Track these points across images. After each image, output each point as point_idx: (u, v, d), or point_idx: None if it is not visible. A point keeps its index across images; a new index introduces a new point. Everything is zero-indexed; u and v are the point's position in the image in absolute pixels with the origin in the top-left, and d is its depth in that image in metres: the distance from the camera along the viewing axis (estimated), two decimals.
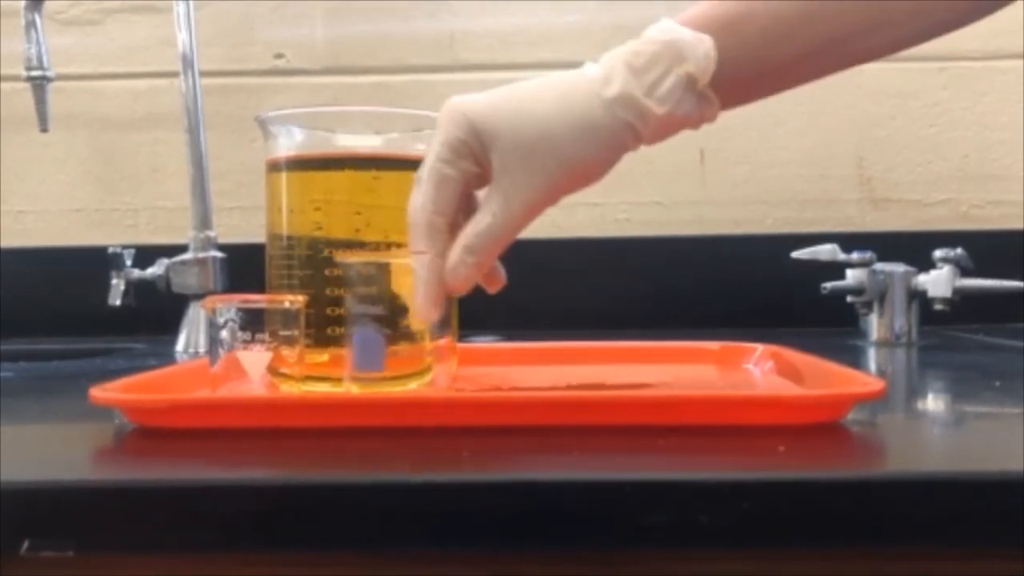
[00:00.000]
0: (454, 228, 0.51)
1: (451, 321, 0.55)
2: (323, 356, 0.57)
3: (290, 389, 0.56)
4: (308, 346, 0.57)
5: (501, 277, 0.54)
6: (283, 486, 0.41)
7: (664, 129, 0.50)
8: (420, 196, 0.50)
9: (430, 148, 0.50)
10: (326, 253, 0.57)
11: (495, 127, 0.48)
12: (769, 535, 0.40)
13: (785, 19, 0.49)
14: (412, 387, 0.58)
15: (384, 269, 0.52)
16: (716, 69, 0.49)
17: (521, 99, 0.49)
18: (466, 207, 0.52)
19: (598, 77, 0.49)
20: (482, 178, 0.50)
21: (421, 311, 0.51)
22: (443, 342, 0.54)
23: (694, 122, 0.51)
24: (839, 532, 0.40)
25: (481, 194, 0.52)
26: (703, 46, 0.48)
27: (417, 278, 0.50)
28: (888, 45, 0.52)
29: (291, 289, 0.58)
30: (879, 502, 0.40)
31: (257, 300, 0.55)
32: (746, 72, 0.50)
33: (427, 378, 0.59)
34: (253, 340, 0.54)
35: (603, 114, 0.48)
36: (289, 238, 0.58)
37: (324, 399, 0.55)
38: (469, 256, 0.49)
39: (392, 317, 0.52)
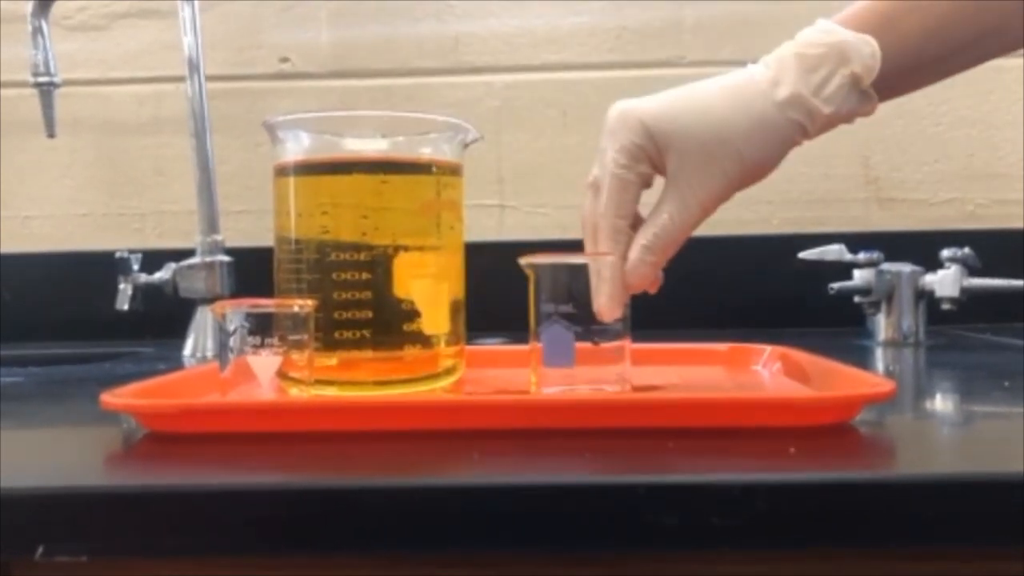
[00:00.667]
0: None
1: (628, 321, 0.56)
2: (332, 360, 0.57)
3: (300, 393, 0.56)
4: (317, 350, 0.57)
5: (660, 277, 0.55)
6: (293, 490, 0.42)
7: (828, 125, 0.52)
8: (603, 201, 0.52)
9: (604, 153, 0.52)
10: (334, 257, 0.57)
11: (671, 131, 0.50)
12: (780, 536, 0.40)
13: (940, 15, 0.51)
14: (423, 389, 0.58)
15: (575, 269, 0.54)
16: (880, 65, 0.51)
17: (694, 101, 0.51)
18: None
19: (767, 78, 0.51)
20: (651, 179, 0.52)
21: (605, 310, 0.52)
22: (624, 342, 0.55)
23: (854, 117, 0.53)
24: (850, 533, 0.40)
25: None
26: (868, 47, 0.50)
27: (601, 279, 0.52)
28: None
29: (299, 293, 0.58)
30: (890, 503, 0.40)
31: (266, 304, 0.56)
32: (903, 68, 0.52)
33: (443, 382, 0.59)
34: (262, 345, 0.54)
35: (775, 115, 0.50)
36: (297, 242, 0.58)
37: (334, 403, 0.55)
38: (649, 255, 0.51)
39: (579, 315, 0.54)
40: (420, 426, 0.51)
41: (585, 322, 0.54)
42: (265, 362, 0.55)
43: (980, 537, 0.41)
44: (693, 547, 0.41)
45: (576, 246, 0.65)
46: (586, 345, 0.53)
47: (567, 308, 0.54)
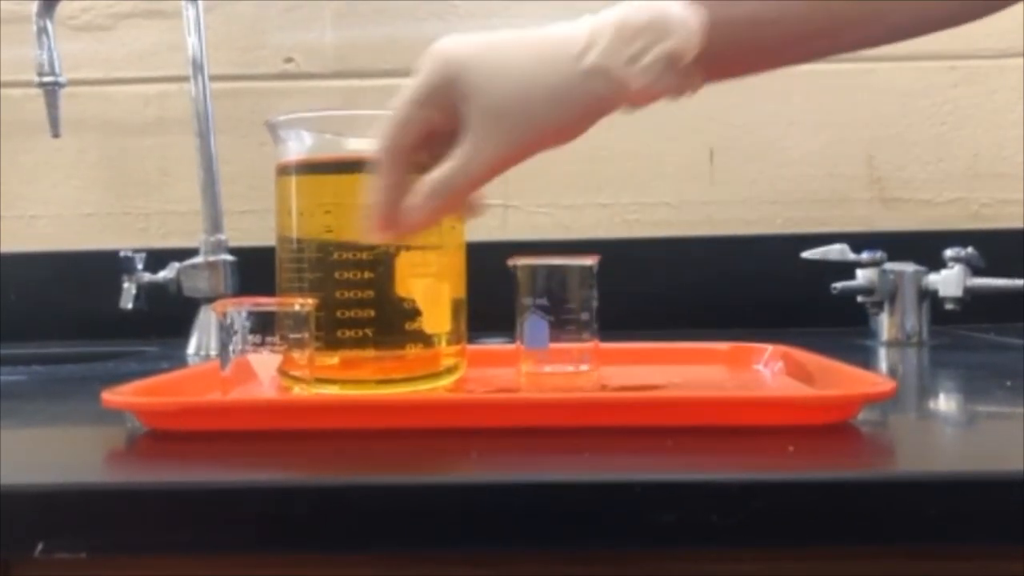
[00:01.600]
0: (417, 164, 0.52)
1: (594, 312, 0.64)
2: (333, 359, 0.58)
3: (301, 391, 0.56)
4: (318, 348, 0.57)
5: (479, 206, 0.55)
6: (293, 488, 0.42)
7: (641, 99, 0.50)
8: (387, 128, 0.51)
9: (410, 83, 0.51)
10: (336, 256, 0.57)
11: (472, 81, 0.49)
12: (778, 535, 0.40)
13: (775, 6, 0.49)
14: (424, 388, 0.58)
15: (549, 269, 0.62)
16: (706, 44, 0.48)
17: (502, 55, 0.50)
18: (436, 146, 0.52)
19: (580, 43, 0.49)
20: (452, 122, 0.51)
21: (367, 231, 0.52)
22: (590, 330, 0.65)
23: (673, 94, 0.50)
24: (848, 531, 0.40)
25: None
26: (690, 24, 0.48)
27: (374, 203, 0.51)
28: (880, 36, 0.52)
29: (301, 292, 0.58)
30: (889, 502, 0.40)
31: (267, 303, 0.56)
32: (731, 50, 0.49)
33: (444, 381, 0.59)
34: (263, 343, 0.55)
35: (579, 82, 0.48)
36: (299, 241, 0.59)
37: (334, 401, 0.55)
38: (429, 200, 0.50)
39: (553, 307, 0.63)
40: (419, 424, 0.51)
41: (558, 312, 0.64)
42: (266, 360, 0.55)
43: (979, 536, 0.41)
44: (691, 545, 0.41)
45: (585, 245, 0.66)
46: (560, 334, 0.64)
47: (542, 301, 0.64)
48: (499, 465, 0.45)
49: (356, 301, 0.57)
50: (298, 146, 0.60)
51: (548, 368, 0.65)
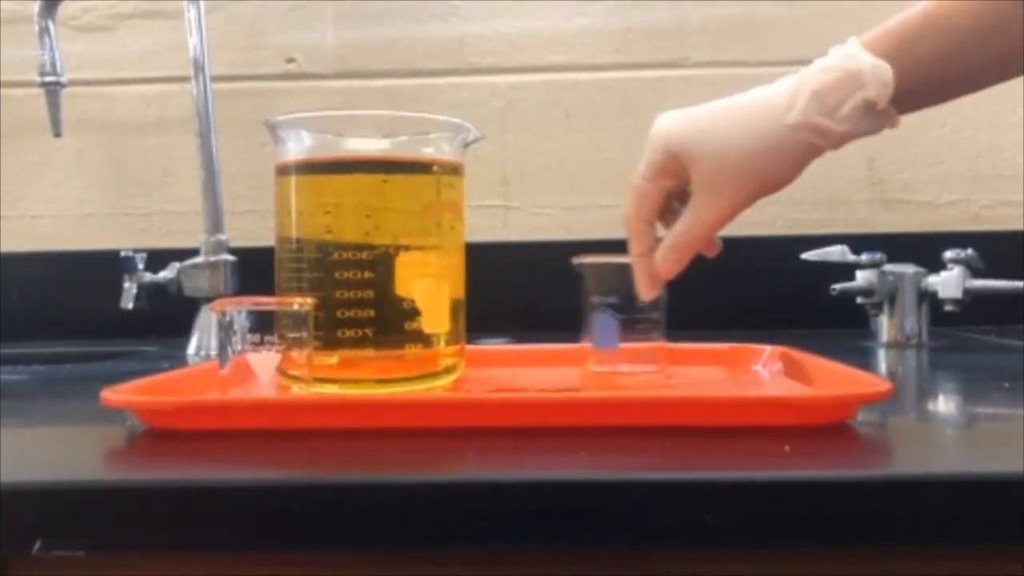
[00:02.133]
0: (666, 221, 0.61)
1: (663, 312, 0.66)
2: (332, 358, 0.58)
3: (301, 391, 0.56)
4: (318, 348, 0.57)
5: (717, 245, 0.63)
6: (292, 487, 0.42)
7: (847, 140, 0.56)
8: (626, 206, 0.60)
9: (642, 163, 0.59)
10: (336, 256, 0.57)
11: (693, 152, 0.56)
12: (774, 535, 0.40)
13: (957, 39, 0.55)
14: (422, 388, 0.58)
15: (619, 268, 0.63)
16: (896, 87, 0.54)
17: (715, 124, 0.57)
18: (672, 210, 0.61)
19: (782, 101, 0.55)
20: (683, 184, 0.59)
21: (641, 292, 0.61)
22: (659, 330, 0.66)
23: (873, 133, 0.57)
24: (844, 532, 0.40)
25: None
26: (882, 74, 0.54)
27: (635, 271, 0.61)
28: None
29: (301, 292, 0.58)
30: (885, 502, 0.40)
31: (267, 303, 0.56)
32: (921, 87, 0.56)
33: (443, 380, 0.60)
34: (262, 342, 0.55)
35: (787, 137, 0.55)
36: (298, 241, 0.59)
37: (332, 401, 0.55)
38: (672, 254, 0.59)
39: (622, 306, 0.64)
40: (417, 424, 0.51)
41: (627, 311, 0.64)
42: (265, 359, 0.55)
43: (976, 536, 0.41)
44: (686, 545, 0.41)
45: (585, 246, 0.66)
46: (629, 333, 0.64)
47: (613, 300, 0.64)
48: (496, 464, 0.45)
49: (355, 301, 0.57)
50: (297, 146, 0.60)
51: (616, 368, 0.65)
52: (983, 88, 0.59)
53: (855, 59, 0.55)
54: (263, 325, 0.55)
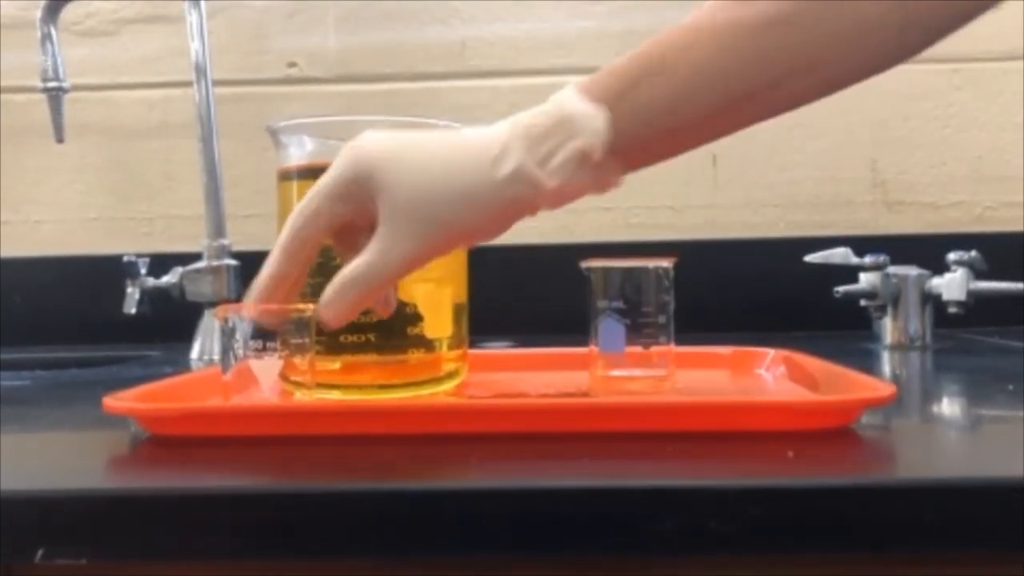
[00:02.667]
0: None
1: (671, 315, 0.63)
2: (335, 364, 0.58)
3: (303, 397, 0.56)
4: (320, 353, 0.57)
5: (391, 303, 0.55)
6: (294, 494, 0.42)
7: (560, 198, 0.50)
8: (293, 218, 0.51)
9: (324, 175, 0.51)
10: (337, 261, 0.57)
11: (384, 179, 0.49)
12: (777, 541, 0.40)
13: (686, 80, 0.48)
14: (425, 393, 0.58)
15: (626, 272, 0.62)
16: (617, 136, 0.48)
17: (417, 155, 0.50)
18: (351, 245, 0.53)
19: (494, 147, 0.49)
20: (365, 218, 0.51)
21: (253, 314, 0.53)
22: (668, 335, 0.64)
23: (595, 189, 0.51)
24: (848, 538, 0.40)
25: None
26: (595, 122, 0.48)
27: (255, 287, 0.52)
28: (799, 96, 0.51)
29: (303, 297, 0.58)
30: (889, 507, 0.40)
31: (269, 308, 0.56)
32: (650, 136, 0.49)
33: (445, 385, 0.60)
34: (265, 348, 0.55)
35: (491, 189, 0.48)
36: None
37: (335, 407, 0.55)
38: (341, 296, 0.50)
39: (629, 310, 0.62)
40: (420, 430, 0.51)
41: (633, 315, 0.62)
42: (267, 366, 0.55)
43: (981, 542, 0.41)
44: (689, 552, 0.41)
45: (587, 249, 0.66)
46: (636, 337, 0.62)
47: (619, 304, 0.62)
48: (498, 471, 0.45)
49: None
50: (299, 151, 0.60)
51: (624, 372, 0.63)
52: (735, 130, 0.52)
53: (568, 104, 0.48)
54: (264, 330, 0.55)
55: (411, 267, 0.51)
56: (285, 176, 0.60)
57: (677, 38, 0.49)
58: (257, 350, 0.54)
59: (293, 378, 0.57)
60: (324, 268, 0.57)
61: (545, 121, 0.48)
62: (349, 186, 0.50)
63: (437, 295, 0.59)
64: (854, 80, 0.50)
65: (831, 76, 0.50)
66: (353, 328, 0.57)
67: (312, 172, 0.59)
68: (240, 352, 0.55)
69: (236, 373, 0.55)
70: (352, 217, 0.51)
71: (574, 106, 0.48)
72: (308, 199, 0.51)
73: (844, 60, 0.49)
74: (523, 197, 0.49)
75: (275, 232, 0.61)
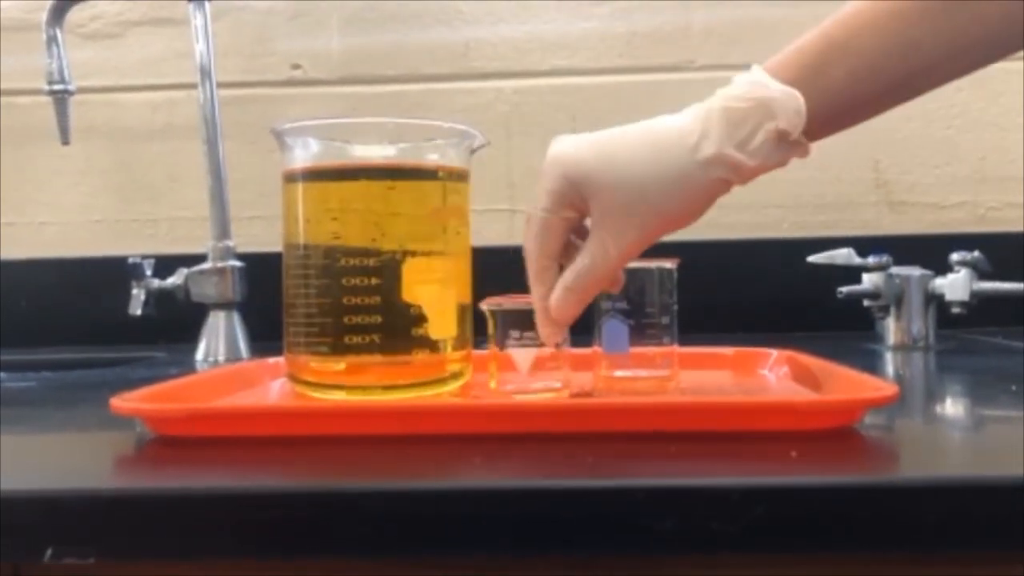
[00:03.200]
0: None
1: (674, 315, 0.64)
2: (340, 365, 0.58)
3: (320, 396, 0.57)
4: (324, 354, 0.57)
5: (620, 281, 0.59)
6: (299, 493, 0.42)
7: (757, 174, 0.53)
8: (529, 242, 0.55)
9: (538, 193, 0.55)
10: (343, 262, 0.58)
11: (594, 183, 0.52)
12: (779, 541, 0.41)
13: (868, 60, 0.51)
14: (430, 394, 0.58)
15: (630, 272, 0.61)
16: (809, 114, 0.51)
17: (618, 155, 0.53)
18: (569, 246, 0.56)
19: (693, 133, 0.51)
20: (582, 220, 0.55)
21: (543, 338, 0.57)
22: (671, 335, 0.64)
23: (781, 165, 0.54)
24: (851, 537, 0.40)
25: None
26: (794, 103, 0.51)
27: (539, 317, 0.56)
28: (966, 69, 0.54)
29: (307, 298, 0.58)
30: (891, 507, 0.40)
31: (521, 300, 0.59)
32: (834, 112, 0.52)
33: (450, 386, 0.60)
34: (522, 338, 0.59)
35: (698, 173, 0.51)
36: (306, 247, 0.59)
37: (339, 407, 0.55)
38: (570, 295, 0.54)
39: (633, 311, 0.62)
40: (423, 430, 0.51)
41: (637, 316, 0.62)
42: (525, 354, 0.59)
43: (984, 542, 0.41)
44: (691, 551, 0.41)
45: None
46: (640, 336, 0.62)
47: (622, 305, 0.62)
48: (502, 470, 0.46)
49: (363, 307, 0.57)
50: (304, 153, 0.60)
51: (627, 373, 0.63)
52: (912, 98, 0.55)
53: (764, 87, 0.51)
54: (522, 322, 0.58)
55: (629, 258, 0.54)
56: (290, 178, 0.60)
57: (842, 27, 0.52)
58: (516, 339, 0.59)
59: (302, 378, 0.57)
60: (330, 269, 0.58)
61: (743, 104, 0.51)
62: (565, 197, 0.53)
63: (441, 296, 0.59)
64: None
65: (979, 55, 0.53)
66: (358, 329, 0.57)
67: (317, 174, 0.60)
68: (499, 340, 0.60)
69: (237, 372, 0.56)
70: (574, 222, 0.55)
71: (771, 89, 0.51)
72: (533, 220, 0.55)
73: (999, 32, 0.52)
74: (724, 177, 0.52)
75: (279, 233, 0.61)
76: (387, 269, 0.58)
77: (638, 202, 0.52)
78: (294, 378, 0.59)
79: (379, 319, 0.57)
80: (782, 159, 0.53)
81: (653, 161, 0.52)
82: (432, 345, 0.59)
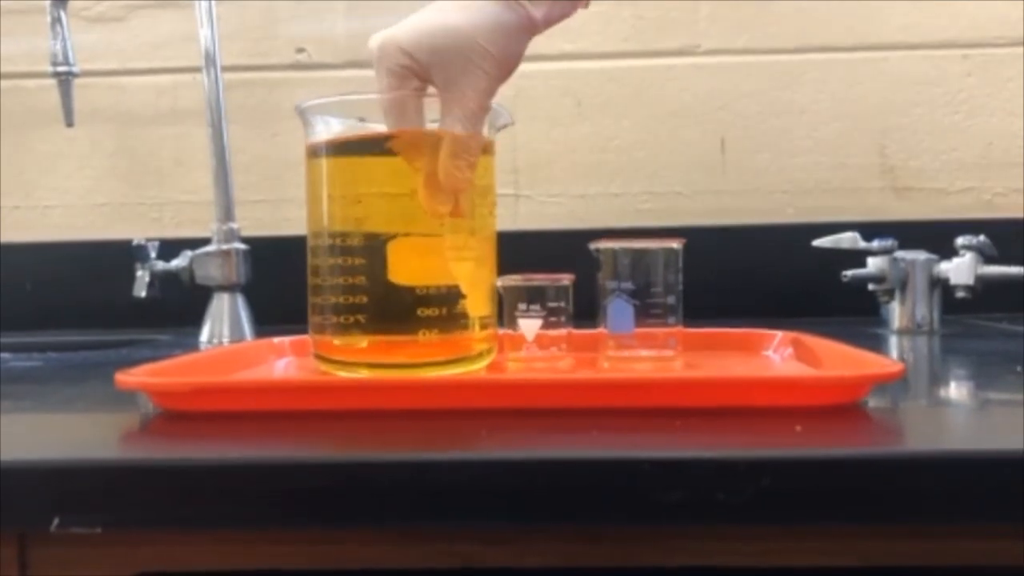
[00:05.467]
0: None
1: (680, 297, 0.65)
2: (363, 342, 0.57)
3: (347, 375, 0.57)
4: (349, 333, 0.56)
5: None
6: (302, 464, 0.42)
7: (551, 13, 0.58)
8: (391, 123, 0.58)
9: (379, 81, 0.57)
10: (368, 242, 0.57)
11: (429, 49, 0.56)
12: (785, 512, 0.41)
13: None
14: (456, 372, 0.58)
15: (636, 253, 0.63)
16: None
17: (439, 20, 0.57)
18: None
19: None
20: (425, 89, 0.58)
21: (430, 210, 0.57)
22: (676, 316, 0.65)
23: (568, 13, 0.60)
24: (854, 509, 0.40)
25: None
26: None
27: (421, 188, 0.57)
28: None
29: (333, 277, 0.57)
30: (895, 480, 0.41)
31: (538, 278, 0.64)
32: None
33: (478, 364, 0.59)
34: (528, 311, 0.64)
35: (504, 15, 0.57)
36: (331, 224, 0.58)
37: (342, 383, 0.55)
38: (457, 160, 0.57)
39: (638, 291, 0.63)
40: (430, 405, 0.51)
41: (642, 297, 0.62)
42: (531, 324, 0.64)
43: (984, 515, 0.41)
44: (697, 522, 0.41)
45: (596, 234, 0.66)
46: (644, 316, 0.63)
47: (628, 285, 0.63)
48: (509, 443, 0.46)
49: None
50: (326, 129, 0.59)
51: (632, 352, 0.63)
52: None
53: None
54: (533, 296, 0.64)
55: (486, 105, 0.57)
56: (313, 152, 0.60)
57: None
58: (523, 312, 0.64)
59: (328, 356, 0.57)
60: (342, 268, 0.57)
61: None
62: (411, 68, 0.56)
63: (478, 274, 0.59)
64: None
65: None
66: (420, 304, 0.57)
67: (337, 147, 0.59)
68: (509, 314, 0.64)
69: (242, 349, 0.56)
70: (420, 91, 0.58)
71: None
72: (388, 105, 0.57)
73: None
74: (528, 12, 0.57)
75: (285, 217, 0.61)
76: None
77: (470, 51, 0.56)
78: (320, 357, 0.58)
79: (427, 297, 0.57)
80: (566, 9, 0.59)
81: (467, 12, 0.56)
82: (465, 323, 0.58)
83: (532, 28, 0.58)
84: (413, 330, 0.56)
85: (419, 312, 0.56)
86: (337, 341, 0.57)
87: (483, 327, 0.59)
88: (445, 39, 0.56)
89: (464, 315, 0.58)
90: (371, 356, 0.57)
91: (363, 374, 0.57)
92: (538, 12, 0.57)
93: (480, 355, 0.60)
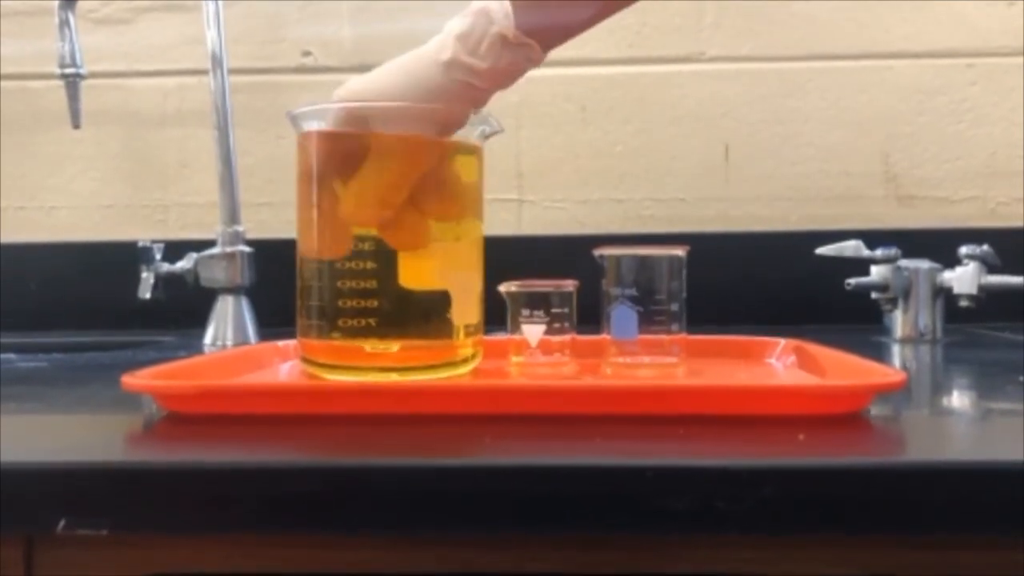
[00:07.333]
0: None
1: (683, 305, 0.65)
2: (364, 347, 0.57)
3: (335, 378, 0.57)
4: (340, 337, 0.57)
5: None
6: (308, 469, 0.42)
7: (496, 76, 0.60)
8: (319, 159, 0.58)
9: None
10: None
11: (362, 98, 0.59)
12: (786, 521, 0.41)
13: None
14: (443, 376, 0.58)
15: (640, 259, 0.63)
16: (521, 23, 0.58)
17: (383, 77, 0.60)
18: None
19: (433, 49, 0.59)
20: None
21: (323, 251, 0.58)
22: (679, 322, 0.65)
23: (523, 67, 0.60)
24: (856, 519, 0.41)
25: None
26: (504, 8, 0.58)
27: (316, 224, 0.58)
28: None
29: (320, 280, 0.58)
30: (898, 489, 0.41)
31: (540, 285, 0.65)
32: (547, 21, 0.60)
33: (462, 369, 0.60)
34: (532, 316, 0.64)
35: (444, 80, 0.58)
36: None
37: (348, 387, 0.55)
38: (368, 199, 0.57)
39: (641, 298, 0.63)
40: (432, 410, 0.51)
41: (646, 303, 0.63)
42: (534, 330, 0.65)
43: (989, 525, 0.41)
44: (699, 530, 0.41)
45: (599, 241, 0.66)
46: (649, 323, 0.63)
47: (631, 291, 0.63)
48: (511, 449, 0.46)
49: (359, 291, 0.57)
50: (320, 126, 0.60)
51: (635, 359, 0.63)
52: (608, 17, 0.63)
53: (483, 4, 0.59)
54: (534, 302, 0.65)
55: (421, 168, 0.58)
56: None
57: None
58: (526, 317, 0.64)
59: (316, 360, 0.57)
60: (329, 271, 0.58)
61: (469, 17, 0.59)
62: (351, 116, 0.58)
63: (468, 280, 0.59)
64: None
65: None
66: (367, 312, 0.57)
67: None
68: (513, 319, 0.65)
69: (248, 352, 0.56)
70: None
71: (489, 3, 0.59)
72: (319, 138, 0.58)
73: None
74: (468, 81, 0.59)
75: (289, 219, 0.61)
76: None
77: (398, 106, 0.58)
78: (307, 360, 0.59)
79: (399, 303, 0.57)
80: (515, 61, 0.60)
81: (408, 76, 0.59)
82: (451, 329, 0.58)
83: (476, 90, 0.59)
84: (397, 335, 0.57)
85: (406, 316, 0.57)
86: (320, 344, 0.57)
87: (468, 334, 0.60)
88: (383, 97, 0.58)
89: (449, 320, 0.58)
90: (350, 359, 0.57)
91: (349, 378, 0.57)
92: (484, 64, 0.58)
93: (464, 360, 0.60)
